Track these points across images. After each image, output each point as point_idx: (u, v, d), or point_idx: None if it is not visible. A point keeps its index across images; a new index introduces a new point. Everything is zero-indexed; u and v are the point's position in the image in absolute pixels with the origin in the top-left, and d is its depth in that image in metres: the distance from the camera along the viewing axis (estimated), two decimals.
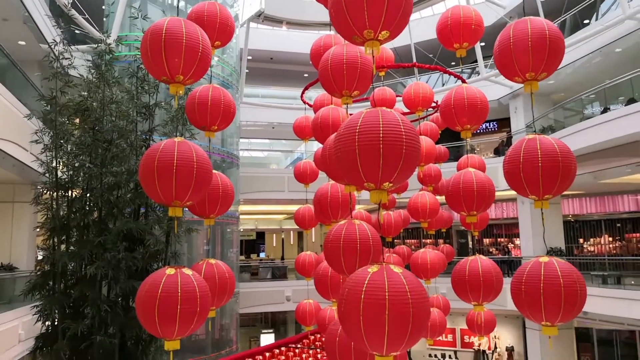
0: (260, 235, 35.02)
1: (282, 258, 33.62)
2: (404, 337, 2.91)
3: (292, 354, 14.62)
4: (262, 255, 34.58)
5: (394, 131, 3.05)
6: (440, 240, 25.15)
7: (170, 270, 3.81)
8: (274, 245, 35.19)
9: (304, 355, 14.36)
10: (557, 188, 4.02)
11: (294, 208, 28.58)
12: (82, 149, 6.74)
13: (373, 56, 3.57)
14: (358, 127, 3.08)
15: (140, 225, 6.45)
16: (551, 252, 17.36)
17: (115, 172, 6.49)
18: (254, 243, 34.74)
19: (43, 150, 7.05)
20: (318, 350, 14.89)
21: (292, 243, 34.07)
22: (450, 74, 10.57)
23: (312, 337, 16.63)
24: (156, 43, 4.02)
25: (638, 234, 22.13)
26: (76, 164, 6.89)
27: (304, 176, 11.17)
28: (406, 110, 10.41)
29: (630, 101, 14.10)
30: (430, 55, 21.62)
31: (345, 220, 4.81)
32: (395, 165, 3.04)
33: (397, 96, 10.31)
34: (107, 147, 6.79)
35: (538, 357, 17.00)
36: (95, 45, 7.11)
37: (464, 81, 10.29)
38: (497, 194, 16.47)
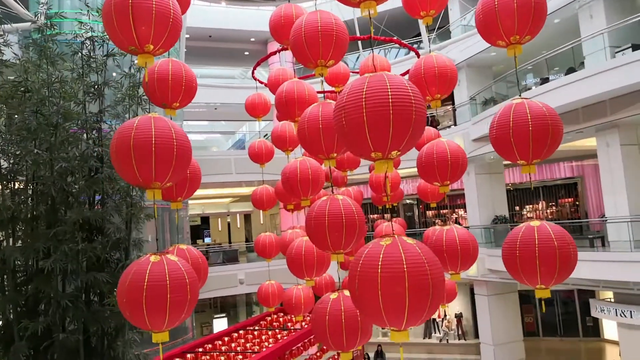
0: (205, 220, 34.26)
1: (230, 242, 33.12)
2: (424, 310, 2.80)
3: (251, 336, 14.43)
4: (207, 240, 33.86)
5: (403, 95, 2.89)
6: (387, 215, 25.54)
7: (154, 258, 3.51)
8: (220, 229, 34.55)
9: (263, 337, 14.21)
10: (546, 151, 4.01)
11: (241, 191, 28.09)
12: (26, 134, 6.15)
13: (370, 18, 3.38)
14: (364, 93, 2.89)
15: (98, 213, 6.00)
16: (496, 220, 18.00)
17: (67, 158, 5.97)
18: (198, 228, 33.94)
19: None
20: (277, 330, 14.79)
21: (239, 227, 33.60)
22: (406, 46, 10.54)
23: (269, 319, 16.51)
24: (123, 8, 3.63)
25: (571, 199, 23.38)
26: (17, 152, 6.30)
27: (259, 156, 10.86)
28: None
29: (570, 70, 14.67)
30: (382, 27, 21.51)
31: (326, 196, 4.64)
32: (405, 131, 2.89)
33: (351, 72, 10.17)
34: (53, 131, 6.24)
35: (487, 321, 17.70)
36: (34, 19, 6.47)
37: (418, 54, 10.31)
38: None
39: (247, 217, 33.26)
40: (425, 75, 5.83)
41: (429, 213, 27.08)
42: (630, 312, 12.20)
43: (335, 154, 4.68)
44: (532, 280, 3.93)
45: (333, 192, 4.75)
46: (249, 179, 21.65)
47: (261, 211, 29.60)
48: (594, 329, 19.87)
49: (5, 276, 6.18)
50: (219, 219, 34.27)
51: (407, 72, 11.08)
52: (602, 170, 13.51)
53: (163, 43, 3.83)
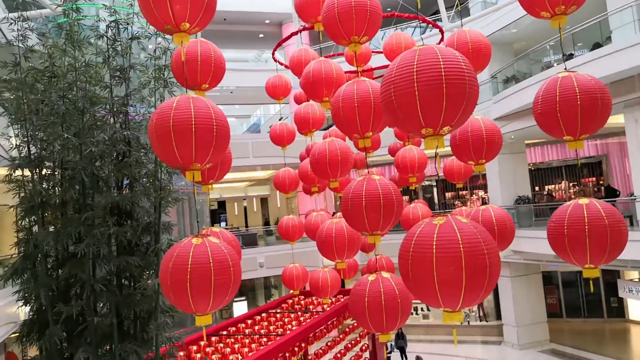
0: (221, 204, 34.41)
1: (247, 226, 33.24)
2: (481, 290, 2.71)
3: (273, 319, 14.51)
4: (223, 225, 34.00)
5: (456, 68, 2.77)
6: (407, 197, 25.38)
7: (196, 240, 3.46)
8: (236, 213, 34.68)
9: (285, 320, 14.27)
10: (594, 126, 3.87)
11: (257, 174, 28.05)
12: (53, 119, 6.13)
13: None
14: (415, 67, 2.78)
15: (128, 197, 5.98)
16: (519, 200, 17.79)
17: (95, 142, 5.95)
18: (214, 213, 34.06)
19: (9, 124, 6.38)
20: (299, 313, 14.84)
21: (255, 210, 33.69)
22: (429, 22, 10.32)
23: (291, 301, 16.57)
24: None
25: (594, 178, 23.00)
26: (44, 137, 6.28)
27: (281, 138, 10.81)
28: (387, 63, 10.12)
29: (596, 46, 14.29)
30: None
31: (363, 176, 4.55)
32: (458, 106, 2.78)
33: (372, 52, 9.99)
34: (80, 116, 6.21)
35: (511, 302, 17.61)
36: (59, 3, 6.39)
37: (442, 31, 10.08)
38: (443, 150, 16.50)
39: (263, 200, 33.32)
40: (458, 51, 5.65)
41: (448, 195, 26.88)
42: None
43: (370, 133, 4.57)
44: (580, 259, 3.81)
45: (369, 173, 4.65)
46: (266, 163, 21.61)
47: (278, 194, 29.69)
48: (618, 309, 19.66)
49: (36, 261, 6.21)
50: (235, 203, 34.40)
51: None
52: (631, 148, 13.22)
53: (199, 21, 3.73)
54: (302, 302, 16.82)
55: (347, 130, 4.60)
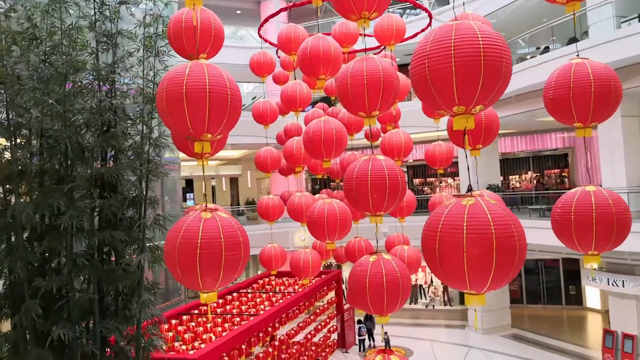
0: (189, 182, 33.81)
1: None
2: (509, 272, 2.69)
3: (245, 299, 14.42)
4: (190, 203, 33.46)
5: (494, 44, 2.70)
6: None
7: (206, 214, 3.32)
8: (203, 192, 34.19)
9: (257, 300, 14.21)
10: (606, 114, 3.89)
11: (228, 154, 27.60)
12: (34, 84, 5.78)
13: None
14: (453, 41, 2.69)
15: (113, 169, 5.72)
16: (489, 188, 18.10)
17: (82, 110, 5.64)
18: (182, 191, 33.45)
19: None
20: (270, 293, 14.81)
21: (224, 190, 33.28)
22: (418, 6, 10.25)
23: (261, 282, 16.51)
24: None
25: (557, 170, 23.63)
26: (23, 103, 5.93)
27: (264, 117, 10.61)
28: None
29: (572, 40, 14.54)
30: None
31: (368, 155, 4.47)
32: (494, 84, 2.71)
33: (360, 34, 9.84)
34: (63, 82, 5.89)
35: None
36: None
37: (430, 15, 10.02)
38: (435, 134, 16.48)
39: (233, 180, 32.93)
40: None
41: (416, 181, 27.14)
42: (623, 281, 12.47)
43: (377, 112, 4.48)
44: (585, 246, 3.85)
45: (373, 152, 4.58)
46: (238, 142, 21.23)
47: (249, 174, 29.34)
48: (576, 297, 20.40)
49: (12, 233, 5.92)
50: (203, 182, 33.88)
51: (416, 34, 10.77)
52: (602, 142, 13.57)
53: None
54: (273, 282, 16.79)
55: (353, 108, 4.49)
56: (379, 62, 4.35)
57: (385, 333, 16.30)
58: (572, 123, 3.98)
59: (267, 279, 16.94)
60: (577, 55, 4.08)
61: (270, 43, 11.27)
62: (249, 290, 15.65)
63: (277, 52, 11.67)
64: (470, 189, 2.78)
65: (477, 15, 5.75)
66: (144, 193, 6.02)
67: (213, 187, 34.16)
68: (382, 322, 4.52)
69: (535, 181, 22.85)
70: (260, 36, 10.79)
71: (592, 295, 19.80)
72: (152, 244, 6.16)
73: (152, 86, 6.28)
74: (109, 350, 6.01)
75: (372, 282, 4.24)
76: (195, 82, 3.22)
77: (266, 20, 10.05)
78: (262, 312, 12.47)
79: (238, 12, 24.02)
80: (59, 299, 5.86)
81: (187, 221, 3.28)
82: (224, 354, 9.57)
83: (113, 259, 6.28)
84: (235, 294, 14.92)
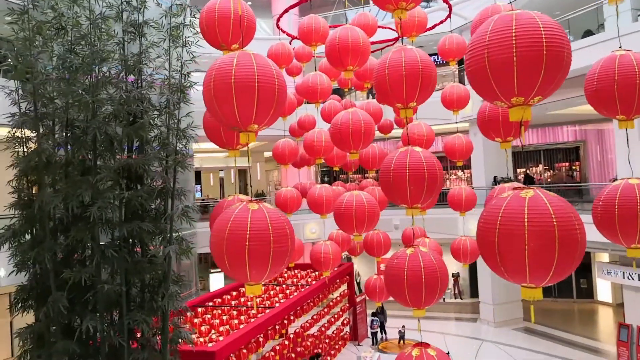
0: (196, 174, 33.82)
1: (223, 197, 32.82)
2: (571, 266, 2.65)
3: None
4: (197, 195, 33.46)
5: (556, 35, 2.65)
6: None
7: (253, 205, 3.30)
8: (212, 184, 34.18)
9: (271, 292, 14.23)
10: None
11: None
12: (60, 73, 5.76)
13: None
14: (514, 31, 2.65)
15: (141, 160, 5.69)
16: (502, 181, 18.05)
17: (111, 100, 5.61)
18: None
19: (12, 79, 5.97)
20: (284, 286, 14.83)
21: (232, 182, 33.27)
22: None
23: None
24: None
25: (567, 163, 23.50)
26: (49, 94, 5.91)
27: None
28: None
29: (587, 33, 14.42)
30: None
31: (405, 147, 4.43)
32: (555, 75, 2.67)
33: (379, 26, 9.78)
34: (89, 72, 5.87)
35: (488, 281, 17.99)
36: None
37: (450, 7, 9.93)
38: (448, 126, 16.49)
39: (241, 172, 32.92)
40: None
41: None
42: (638, 274, 12.42)
43: (414, 103, 4.44)
44: (629, 239, 3.81)
45: (409, 144, 4.54)
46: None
47: (259, 166, 29.21)
48: (587, 290, 20.36)
49: (37, 224, 5.91)
50: (211, 174, 33.88)
51: (434, 26, 10.68)
52: (617, 134, 13.47)
53: None
54: (285, 274, 16.81)
55: (390, 99, 4.46)
56: (418, 53, 4.31)
57: (403, 326, 16.32)
58: (614, 115, 3.94)
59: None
60: (620, 47, 4.02)
61: (288, 34, 11.20)
62: (262, 283, 15.65)
63: (290, 43, 11.62)
64: (530, 180, 2.73)
65: (508, 7, 5.67)
66: (172, 184, 6.00)
67: (221, 179, 34.18)
68: (418, 315, 4.50)
69: (564, 174, 22.68)
70: (279, 27, 10.72)
71: (603, 289, 19.76)
72: (178, 235, 6.15)
73: (178, 77, 6.25)
74: (135, 342, 6.01)
75: (410, 275, 4.22)
76: (244, 72, 3.19)
77: (286, 10, 9.98)
78: (277, 304, 12.49)
79: (249, 2, 23.87)
80: (84, 291, 5.85)
81: (235, 212, 3.25)
82: (242, 347, 9.59)
83: (137, 249, 6.28)
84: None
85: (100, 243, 5.94)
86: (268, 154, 30.16)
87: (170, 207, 5.95)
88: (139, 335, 6.10)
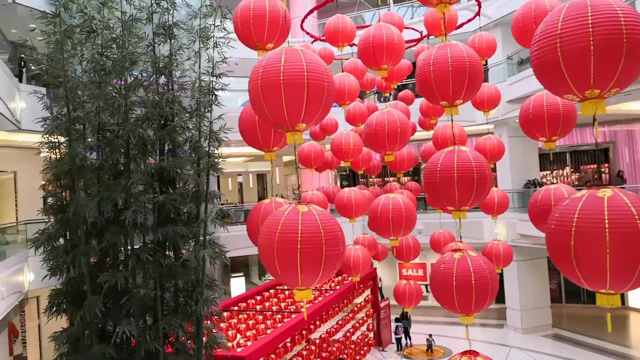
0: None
1: (242, 202, 32.85)
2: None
3: (282, 295, 14.32)
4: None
5: (636, 22, 2.46)
6: (408, 178, 25.16)
7: (302, 207, 3.15)
8: (230, 189, 34.21)
9: (295, 297, 14.04)
10: None
11: (255, 150, 27.65)
12: (93, 77, 5.70)
13: None
14: (590, 19, 2.47)
15: (175, 163, 5.59)
16: (529, 184, 17.69)
17: (143, 103, 5.53)
18: None
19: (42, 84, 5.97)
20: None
21: (251, 187, 33.28)
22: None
23: None
24: None
25: (594, 165, 22.97)
26: (81, 97, 5.87)
27: None
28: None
29: None
30: None
31: (452, 147, 4.26)
32: (636, 63, 2.47)
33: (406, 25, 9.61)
34: (120, 76, 5.81)
35: (516, 286, 17.63)
36: None
37: (479, 4, 9.72)
38: (472, 128, 16.14)
39: (259, 176, 32.89)
40: (536, 20, 5.33)
41: None
42: None
43: (460, 101, 4.27)
44: None
45: (455, 146, 4.36)
46: None
47: (277, 171, 29.09)
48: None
49: (71, 228, 5.86)
50: (230, 179, 33.89)
51: (462, 24, 10.49)
52: None
53: None
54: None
55: (434, 97, 4.28)
56: (464, 48, 4.14)
57: (430, 335, 16.02)
58: None
59: None
60: None
61: (311, 35, 11.08)
62: (286, 287, 15.53)
63: (311, 44, 11.50)
64: (621, 175, 2.54)
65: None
66: (205, 188, 5.91)
67: (240, 184, 34.19)
68: (466, 322, 4.31)
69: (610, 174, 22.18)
70: (303, 29, 10.61)
71: (635, 295, 19.22)
72: (211, 239, 6.05)
73: (208, 79, 6.17)
74: (170, 347, 5.92)
75: (459, 281, 4.03)
76: (293, 70, 3.05)
77: (311, 11, 9.85)
78: (302, 309, 12.33)
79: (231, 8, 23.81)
80: (118, 295, 5.78)
81: (285, 215, 3.11)
82: (271, 352, 9.45)
83: (168, 253, 6.20)
84: (272, 291, 14.84)
85: (136, 247, 5.88)
86: (287, 158, 30.10)
87: (204, 211, 5.85)
88: (172, 339, 6.02)
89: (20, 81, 12.25)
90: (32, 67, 13.57)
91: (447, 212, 8.55)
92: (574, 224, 2.50)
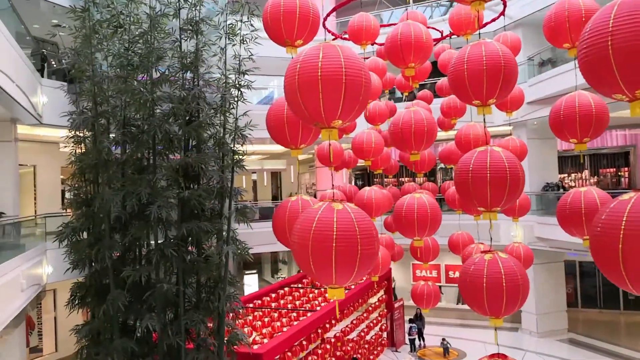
0: None
1: (256, 200, 32.87)
2: None
3: (297, 294, 14.30)
4: None
5: None
6: (424, 179, 24.93)
7: (337, 205, 3.12)
8: (244, 186, 34.26)
9: (311, 296, 14.07)
10: None
11: (272, 148, 27.59)
12: (119, 72, 5.71)
13: None
14: None
15: (201, 159, 5.58)
16: (547, 187, 17.50)
17: (170, 98, 5.53)
18: None
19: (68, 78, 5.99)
20: (322, 289, 14.64)
21: (265, 185, 33.28)
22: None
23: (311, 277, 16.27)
24: None
25: (613, 169, 22.66)
26: (108, 92, 5.89)
27: None
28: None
29: None
30: None
31: (484, 147, 4.19)
32: None
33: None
34: (145, 71, 5.81)
35: (532, 290, 17.41)
36: None
37: (505, 3, 9.61)
38: (490, 129, 15.92)
39: (274, 175, 32.89)
40: (569, 19, 5.24)
41: None
42: None
43: (493, 100, 4.20)
44: None
45: (488, 146, 4.29)
46: None
47: (292, 169, 29.09)
48: (635, 302, 19.55)
49: (95, 222, 5.88)
50: (244, 177, 33.93)
51: (485, 24, 10.39)
52: None
53: None
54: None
55: (467, 96, 4.22)
56: (499, 46, 4.07)
57: (443, 339, 15.89)
58: None
59: None
60: None
61: (333, 33, 11.03)
62: (300, 285, 15.52)
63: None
64: None
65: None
66: (229, 184, 5.90)
67: (254, 182, 34.22)
68: (495, 324, 4.25)
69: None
70: (325, 27, 10.56)
71: None
72: (233, 235, 6.04)
73: (234, 75, 6.16)
74: (191, 343, 5.92)
75: (490, 282, 3.98)
76: (331, 65, 3.02)
77: (334, 9, 9.80)
78: (318, 308, 12.32)
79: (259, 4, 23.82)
80: (140, 290, 5.79)
81: (319, 212, 3.08)
82: (287, 350, 9.44)
83: (190, 249, 6.20)
84: (286, 289, 14.82)
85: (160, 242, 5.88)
86: (301, 157, 30.07)
87: (228, 207, 5.84)
88: (192, 335, 6.02)
89: (42, 76, 12.35)
90: (53, 63, 13.70)
91: (469, 213, 8.49)
92: (623, 227, 2.43)
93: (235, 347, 6.17)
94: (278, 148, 27.58)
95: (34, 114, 11.18)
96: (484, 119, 4.58)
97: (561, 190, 17.19)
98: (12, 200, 11.59)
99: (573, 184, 22.83)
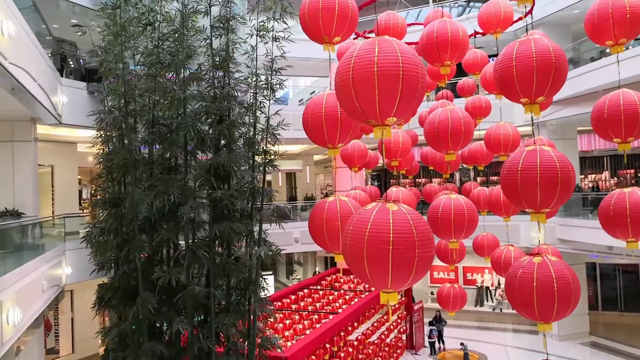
0: None
1: (270, 200, 32.76)
2: None
3: (317, 295, 14.18)
4: None
5: None
6: (440, 180, 24.78)
7: (392, 206, 3.00)
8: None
9: (331, 298, 13.94)
10: None
11: (286, 148, 27.50)
12: (152, 70, 5.63)
13: None
14: None
15: (233, 159, 5.47)
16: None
17: (201, 96, 5.44)
18: None
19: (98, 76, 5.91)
20: (342, 291, 14.52)
21: (280, 185, 33.23)
22: None
23: (329, 279, 16.21)
24: None
25: (633, 170, 22.31)
26: (138, 91, 5.81)
27: None
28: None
29: None
30: None
31: (533, 146, 4.06)
32: None
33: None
34: (176, 69, 5.73)
35: None
36: None
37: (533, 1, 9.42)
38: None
39: (288, 175, 32.82)
40: (613, 15, 5.08)
41: (478, 180, 26.28)
42: None
43: (542, 98, 4.06)
44: None
45: (537, 145, 4.15)
46: (302, 136, 21.01)
47: (308, 170, 28.97)
48: None
49: (122, 222, 5.80)
50: (258, 176, 33.93)
51: (514, 22, 10.23)
52: None
53: None
54: (342, 279, 16.47)
55: (515, 93, 4.08)
56: (549, 43, 3.93)
57: (462, 344, 15.67)
58: None
59: (334, 277, 16.65)
60: None
61: (357, 33, 10.91)
62: (319, 287, 15.40)
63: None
64: None
65: None
66: (261, 184, 5.80)
67: (269, 182, 34.18)
68: (544, 329, 4.11)
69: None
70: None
71: None
72: (264, 237, 5.94)
73: (266, 74, 6.05)
74: (222, 346, 5.82)
75: (540, 286, 3.84)
76: (388, 60, 2.90)
77: (360, 7, 9.66)
78: (340, 310, 12.19)
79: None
80: (170, 292, 5.70)
81: (373, 213, 2.95)
82: (311, 353, 9.32)
83: (218, 249, 6.10)
84: (306, 291, 14.71)
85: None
86: (317, 157, 29.95)
87: (260, 207, 5.74)
88: (222, 339, 5.92)
89: (62, 75, 12.36)
90: (71, 63, 13.72)
91: (499, 215, 8.30)
92: None
93: (267, 351, 6.07)
94: (294, 148, 27.51)
95: (54, 114, 11.18)
96: (532, 117, 4.43)
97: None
98: (32, 200, 11.59)
99: (591, 185, 22.52)
